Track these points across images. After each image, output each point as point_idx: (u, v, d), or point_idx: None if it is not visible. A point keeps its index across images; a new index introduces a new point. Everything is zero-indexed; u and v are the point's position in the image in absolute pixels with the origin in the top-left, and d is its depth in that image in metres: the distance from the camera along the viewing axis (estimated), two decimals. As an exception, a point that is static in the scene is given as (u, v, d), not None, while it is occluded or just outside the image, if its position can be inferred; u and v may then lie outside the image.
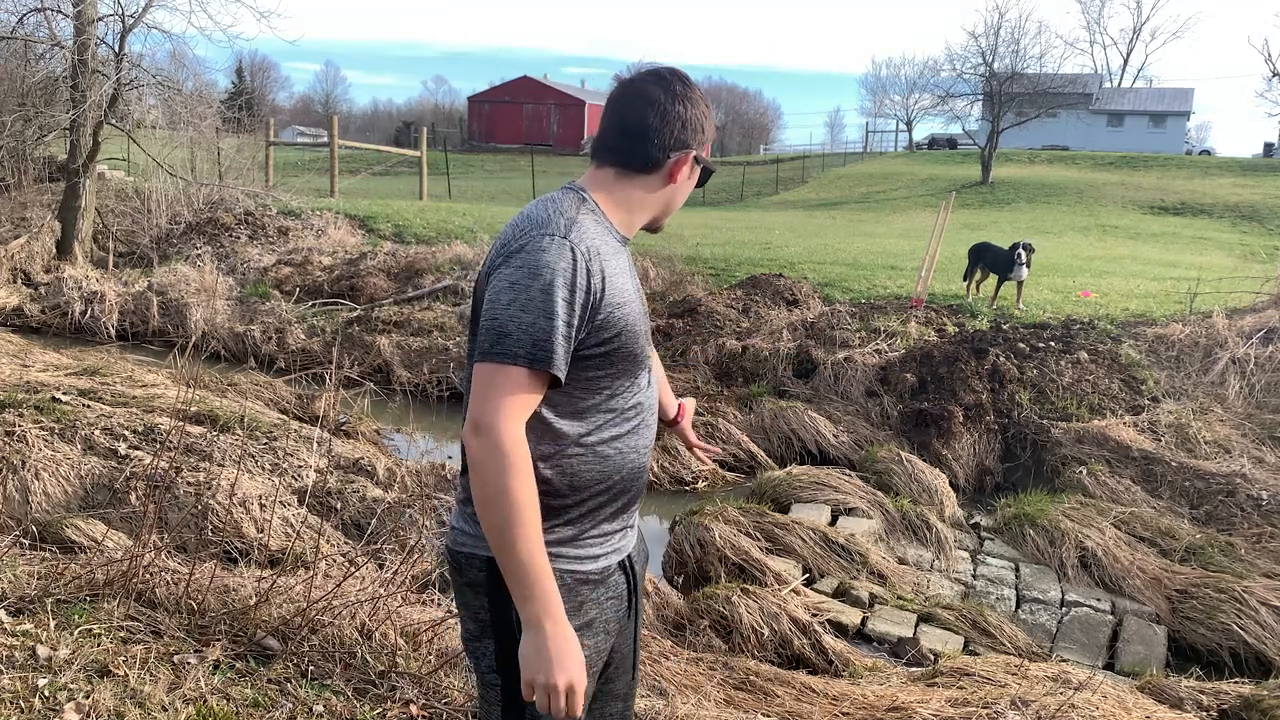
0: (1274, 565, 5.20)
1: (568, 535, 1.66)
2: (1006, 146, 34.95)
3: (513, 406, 1.53)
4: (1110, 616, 4.89)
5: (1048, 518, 5.64)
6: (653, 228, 1.80)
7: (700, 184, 1.80)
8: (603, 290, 1.60)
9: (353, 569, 3.64)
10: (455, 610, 2.23)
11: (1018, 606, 5.01)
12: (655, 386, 1.82)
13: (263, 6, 28.40)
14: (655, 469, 6.62)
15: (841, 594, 4.88)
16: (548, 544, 1.59)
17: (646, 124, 1.68)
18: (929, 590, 5.10)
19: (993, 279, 9.86)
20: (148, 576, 3.31)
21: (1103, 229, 21.38)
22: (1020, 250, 9.31)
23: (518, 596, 1.53)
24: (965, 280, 10.31)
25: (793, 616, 4.23)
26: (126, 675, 2.77)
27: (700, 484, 6.68)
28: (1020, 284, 9.64)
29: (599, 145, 1.74)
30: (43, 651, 2.84)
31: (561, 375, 1.56)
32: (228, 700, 2.75)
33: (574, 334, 1.57)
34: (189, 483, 4.77)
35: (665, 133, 1.68)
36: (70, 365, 7.46)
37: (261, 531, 4.49)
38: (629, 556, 1.79)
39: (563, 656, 1.52)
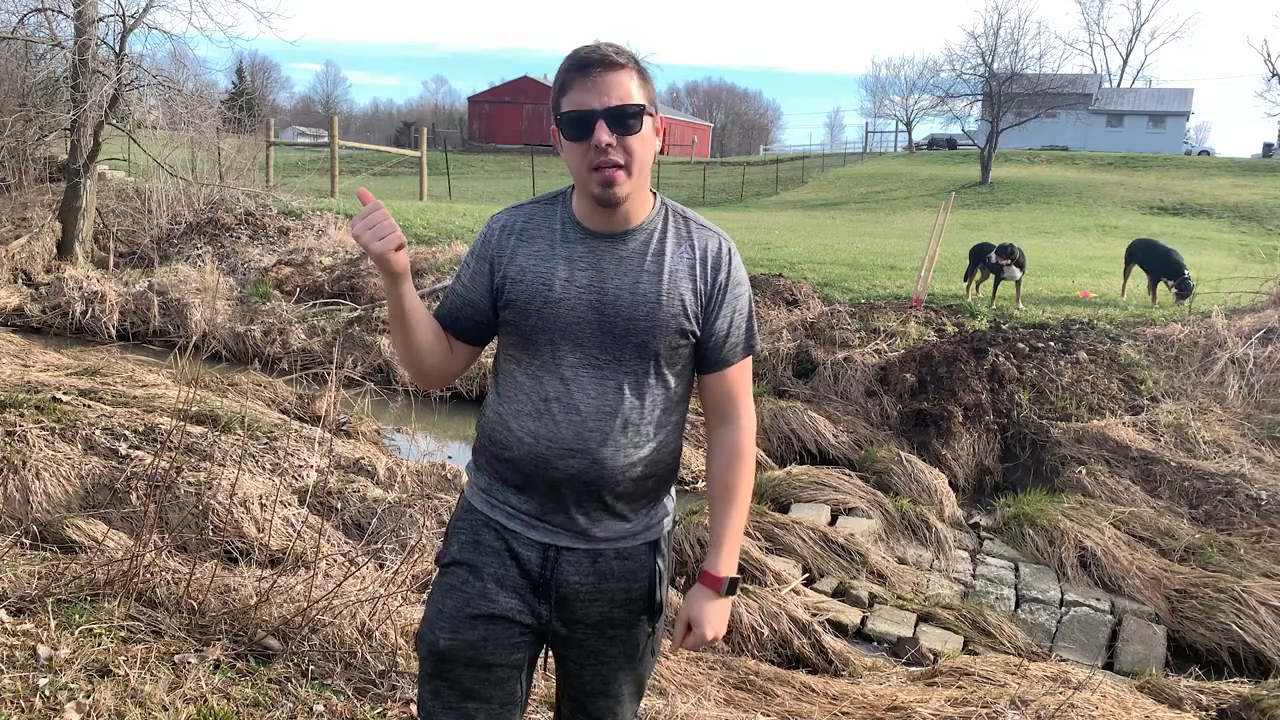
0: (1273, 565, 5.21)
1: (481, 484, 1.85)
2: (1006, 147, 34.97)
3: None
4: (1109, 616, 4.89)
5: (1047, 517, 5.64)
6: (598, 199, 1.68)
7: (572, 137, 1.66)
8: (501, 259, 1.77)
9: (353, 569, 3.64)
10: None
11: (1017, 606, 5.02)
12: (582, 390, 1.72)
13: (263, 7, 28.45)
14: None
15: (841, 594, 4.88)
16: (475, 485, 1.86)
17: None
18: (928, 590, 5.11)
19: (991, 279, 9.89)
20: (148, 576, 3.31)
21: (1102, 229, 21.39)
22: (993, 255, 9.44)
23: None
24: (965, 280, 10.34)
25: (792, 616, 4.23)
26: (127, 675, 2.78)
27: (700, 484, 6.68)
28: (1018, 284, 9.67)
29: None
30: (43, 651, 2.84)
31: (443, 322, 1.81)
32: (228, 700, 2.76)
33: (467, 291, 1.79)
34: (189, 483, 4.77)
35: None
36: (71, 365, 7.47)
37: (262, 531, 4.49)
38: (550, 558, 1.80)
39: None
